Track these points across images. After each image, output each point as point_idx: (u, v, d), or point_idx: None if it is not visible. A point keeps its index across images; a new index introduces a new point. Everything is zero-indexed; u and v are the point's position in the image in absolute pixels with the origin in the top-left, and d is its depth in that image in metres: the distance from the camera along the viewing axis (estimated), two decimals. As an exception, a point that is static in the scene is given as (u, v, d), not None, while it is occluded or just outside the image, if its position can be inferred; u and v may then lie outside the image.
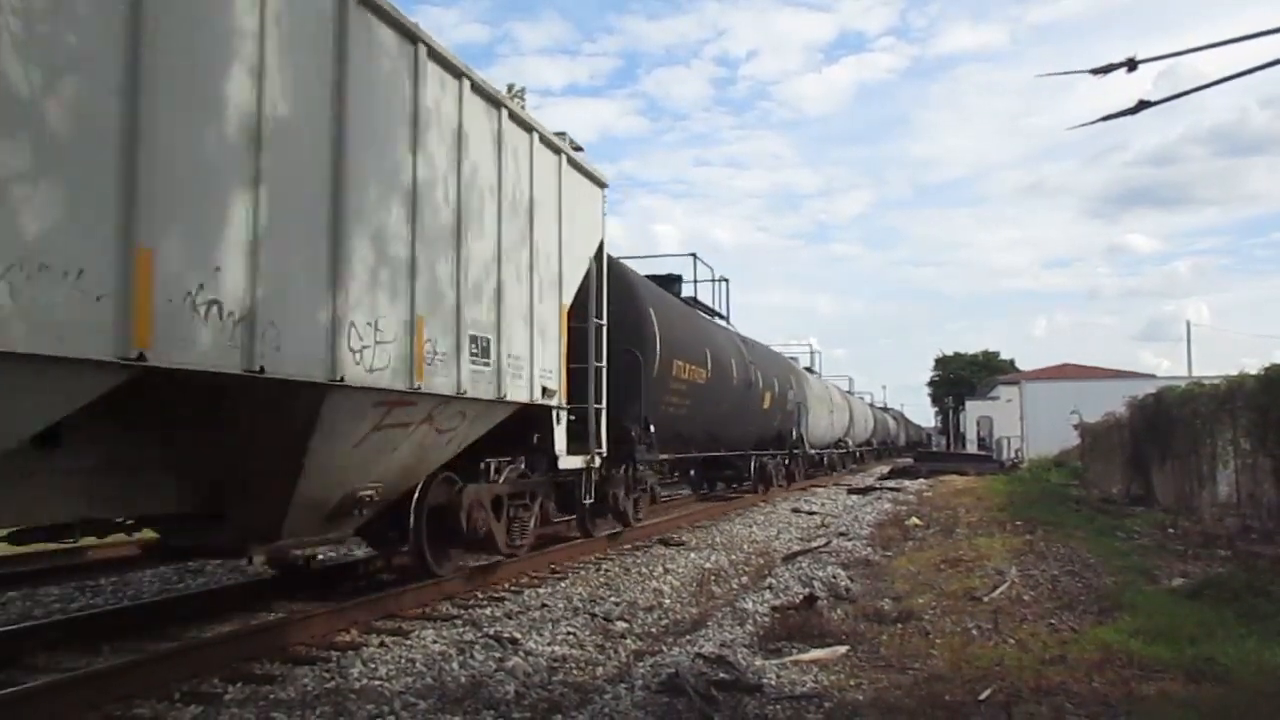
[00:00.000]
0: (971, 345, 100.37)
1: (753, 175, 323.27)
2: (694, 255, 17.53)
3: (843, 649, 6.14)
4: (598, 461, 10.08)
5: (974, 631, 6.66)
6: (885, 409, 61.36)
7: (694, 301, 16.64)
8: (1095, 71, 4.51)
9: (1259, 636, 6.12)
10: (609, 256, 11.17)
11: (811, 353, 36.63)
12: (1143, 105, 4.52)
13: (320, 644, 6.25)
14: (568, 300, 9.46)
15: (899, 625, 6.92)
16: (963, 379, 79.22)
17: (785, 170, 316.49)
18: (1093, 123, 4.87)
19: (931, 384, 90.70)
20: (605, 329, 10.27)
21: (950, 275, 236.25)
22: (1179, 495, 15.52)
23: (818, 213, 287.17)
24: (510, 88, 8.55)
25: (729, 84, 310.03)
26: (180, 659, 5.45)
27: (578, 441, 9.70)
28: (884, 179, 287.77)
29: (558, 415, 9.12)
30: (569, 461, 9.42)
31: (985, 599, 7.81)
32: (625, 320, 11.31)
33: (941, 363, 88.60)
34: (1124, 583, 8.54)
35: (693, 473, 21.30)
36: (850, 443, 35.98)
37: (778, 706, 4.90)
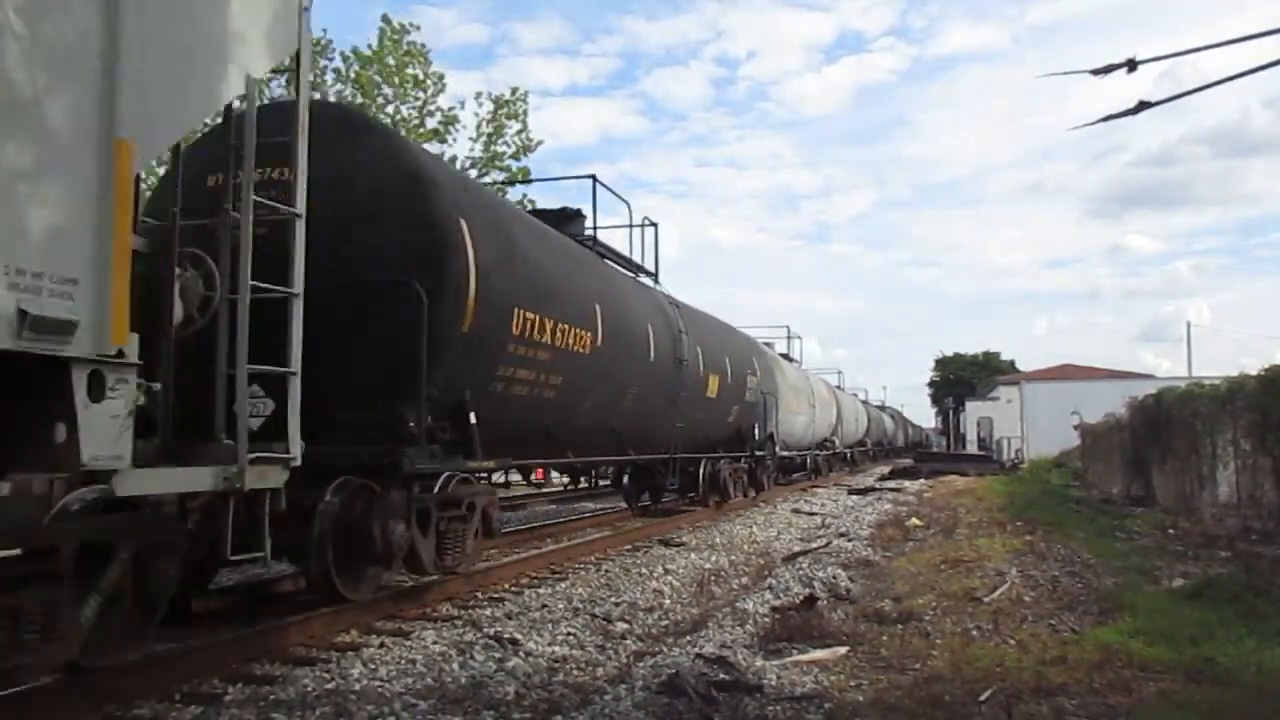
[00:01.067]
0: (971, 345, 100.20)
1: (753, 175, 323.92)
2: (593, 178, 11.89)
3: (843, 650, 6.14)
4: (267, 478, 5.30)
5: (974, 632, 6.66)
6: (882, 407, 59.10)
7: (595, 243, 11.72)
8: (1095, 72, 4.51)
9: (1259, 637, 6.12)
10: (338, 107, 6.79)
11: (789, 338, 29.52)
12: (1143, 106, 4.52)
13: (321, 644, 6.25)
14: (157, 139, 4.80)
15: (899, 626, 6.92)
16: (963, 379, 79.15)
17: (785, 170, 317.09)
18: (1093, 123, 4.88)
19: (931, 384, 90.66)
20: (303, 226, 5.54)
21: (950, 275, 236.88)
22: (1179, 496, 15.52)
23: (818, 213, 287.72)
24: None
25: (729, 84, 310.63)
26: (180, 659, 5.45)
27: (208, 441, 5.14)
28: (884, 179, 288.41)
29: (93, 381, 4.22)
30: (139, 482, 4.54)
31: (985, 600, 7.81)
32: (395, 227, 6.77)
33: (941, 363, 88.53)
34: (1124, 583, 8.54)
35: (626, 480, 16.41)
36: (838, 442, 31.88)
37: (778, 707, 4.90)
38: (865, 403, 48.03)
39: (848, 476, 33.16)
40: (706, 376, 14.58)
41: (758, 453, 18.77)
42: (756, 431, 18.50)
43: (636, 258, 13.46)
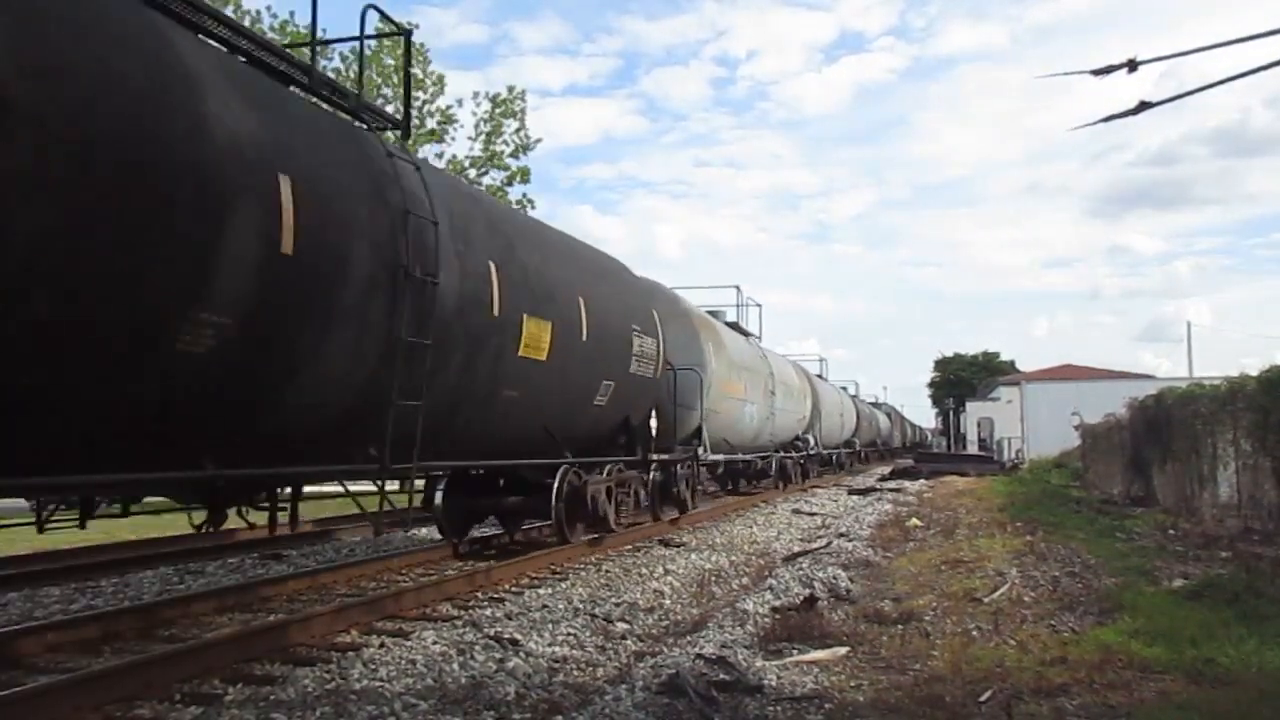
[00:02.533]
0: (971, 345, 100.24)
1: (753, 175, 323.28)
2: None
3: (843, 650, 6.15)
4: None
5: (974, 632, 6.66)
6: (876, 404, 54.54)
7: (327, 87, 7.04)
8: (1095, 72, 4.50)
9: (1259, 638, 6.11)
10: None
11: (739, 305, 21.29)
12: (1143, 106, 4.51)
13: (321, 644, 6.26)
14: None
15: (899, 626, 6.92)
16: (963, 380, 79.17)
17: (785, 170, 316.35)
18: (1094, 123, 4.87)
19: (932, 385, 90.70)
20: None
21: (950, 275, 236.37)
22: (1179, 496, 15.51)
23: (817, 213, 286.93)
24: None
25: (729, 84, 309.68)
26: (181, 659, 5.45)
27: None
28: (884, 179, 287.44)
29: None
30: None
31: (986, 600, 7.81)
32: None
33: (941, 363, 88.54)
34: (1124, 584, 8.54)
35: (440, 499, 10.02)
36: (813, 441, 26.31)
37: (778, 707, 4.91)
38: (855, 397, 41.97)
39: (847, 477, 33.11)
40: (520, 321, 8.51)
41: (658, 456, 12.48)
42: (655, 424, 12.20)
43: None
